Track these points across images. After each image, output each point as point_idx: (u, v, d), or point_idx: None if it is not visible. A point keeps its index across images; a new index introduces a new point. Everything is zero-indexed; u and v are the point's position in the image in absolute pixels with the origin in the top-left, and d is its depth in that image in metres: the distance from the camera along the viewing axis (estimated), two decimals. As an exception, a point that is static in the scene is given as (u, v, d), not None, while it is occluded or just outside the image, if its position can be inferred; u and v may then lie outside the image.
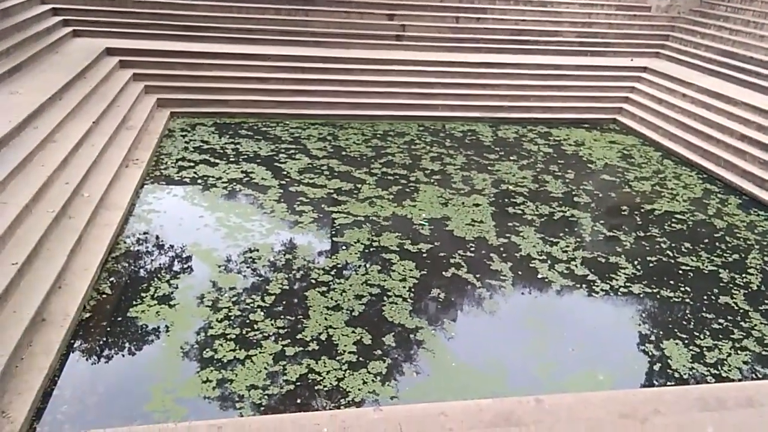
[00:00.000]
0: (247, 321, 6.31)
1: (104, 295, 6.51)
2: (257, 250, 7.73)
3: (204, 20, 14.36)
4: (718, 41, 14.96)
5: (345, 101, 13.30)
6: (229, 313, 6.40)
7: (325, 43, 14.68)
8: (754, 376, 6.10)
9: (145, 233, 7.97)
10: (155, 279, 6.95)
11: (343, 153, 11.30)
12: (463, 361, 6.11)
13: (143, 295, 6.60)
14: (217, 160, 10.39)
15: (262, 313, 6.45)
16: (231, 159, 10.51)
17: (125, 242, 7.67)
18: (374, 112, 13.33)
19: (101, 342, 5.88)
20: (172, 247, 7.72)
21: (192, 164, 10.16)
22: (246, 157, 10.68)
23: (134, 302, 6.45)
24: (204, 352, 5.78)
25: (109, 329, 6.06)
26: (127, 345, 5.90)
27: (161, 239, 7.88)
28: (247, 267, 7.39)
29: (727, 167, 10.94)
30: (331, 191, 9.62)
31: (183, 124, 12.00)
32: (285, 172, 10.16)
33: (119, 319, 6.20)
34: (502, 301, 7.19)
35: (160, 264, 7.34)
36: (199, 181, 9.60)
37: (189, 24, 14.16)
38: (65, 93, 10.18)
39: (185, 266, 7.31)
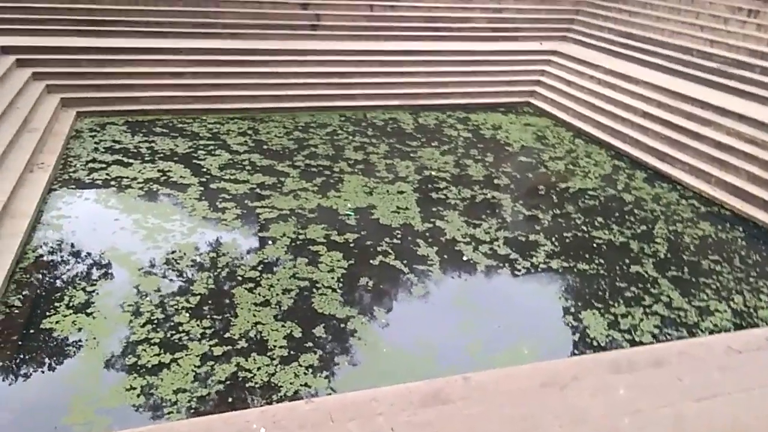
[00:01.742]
0: (172, 324, 6.11)
1: (14, 308, 6.13)
2: (179, 251, 7.49)
3: (109, 14, 13.65)
4: (620, 24, 15.76)
5: (264, 94, 13.06)
6: (152, 317, 6.18)
7: (240, 35, 14.32)
8: (664, 338, 6.54)
9: (55, 241, 7.54)
10: (70, 287, 6.60)
11: (265, 147, 11.11)
12: (394, 346, 6.20)
13: (57, 305, 6.25)
14: (131, 160, 9.95)
15: (187, 315, 6.27)
16: (146, 158, 10.10)
17: (34, 251, 7.23)
18: (295, 104, 13.16)
19: (13, 357, 5.54)
20: (86, 253, 7.35)
21: (104, 165, 9.69)
22: (162, 155, 10.29)
23: (48, 313, 6.11)
24: (126, 359, 5.56)
25: (21, 343, 5.71)
26: (41, 358, 5.59)
27: (74, 246, 7.48)
28: (170, 269, 7.15)
29: (632, 144, 11.59)
30: (254, 186, 9.44)
31: (91, 124, 11.40)
32: (205, 169, 9.88)
33: (32, 332, 5.86)
34: (430, 285, 7.32)
35: (74, 272, 6.98)
36: (113, 182, 9.16)
37: (93, 18, 13.42)
38: (-44, 95, 9.45)
39: (102, 272, 6.99)
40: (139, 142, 10.77)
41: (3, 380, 5.29)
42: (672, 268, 7.90)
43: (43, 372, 5.46)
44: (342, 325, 6.40)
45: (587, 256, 8.14)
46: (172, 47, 13.16)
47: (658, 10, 15.31)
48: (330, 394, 5.29)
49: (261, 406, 5.07)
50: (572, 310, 7.03)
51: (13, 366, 5.46)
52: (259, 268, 7.26)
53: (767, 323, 6.82)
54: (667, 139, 11.14)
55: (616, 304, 7.08)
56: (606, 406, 3.85)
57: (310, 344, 6.03)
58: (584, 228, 8.88)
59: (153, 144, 10.72)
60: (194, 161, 10.17)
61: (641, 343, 6.33)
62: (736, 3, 13.86)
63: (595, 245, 8.44)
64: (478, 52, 15.29)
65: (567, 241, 8.50)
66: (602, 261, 8.04)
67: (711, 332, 6.62)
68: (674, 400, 3.86)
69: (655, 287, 7.46)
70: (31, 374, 5.42)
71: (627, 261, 8.05)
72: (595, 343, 6.40)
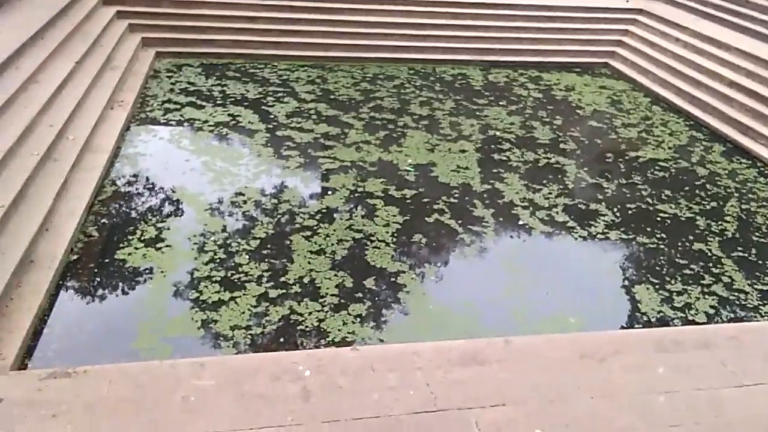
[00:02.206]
0: (232, 264, 6.48)
1: (91, 238, 6.65)
2: (243, 195, 7.83)
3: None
4: (716, -17, 14.65)
5: (335, 42, 13.09)
6: (215, 256, 6.56)
7: (315, -19, 14.27)
8: (719, 320, 6.37)
9: (131, 177, 8.04)
10: (142, 222, 7.07)
11: (332, 97, 11.23)
12: (441, 303, 6.34)
13: (130, 238, 6.73)
14: (203, 103, 10.32)
15: (247, 257, 6.61)
16: (218, 102, 10.45)
17: (111, 185, 7.74)
18: (365, 54, 13.13)
19: (89, 283, 6.06)
20: (158, 190, 7.81)
21: (178, 107, 10.11)
22: (233, 99, 10.60)
23: (121, 245, 6.59)
24: (190, 293, 5.98)
25: (96, 271, 6.22)
26: (114, 286, 6.08)
27: (147, 183, 7.95)
28: (233, 211, 7.50)
29: (714, 114, 10.96)
30: (319, 136, 9.63)
31: (169, 64, 11.83)
32: (272, 116, 10.13)
33: (106, 261, 6.36)
34: (483, 246, 7.37)
35: (146, 208, 7.45)
36: (185, 124, 9.58)
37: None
38: (47, 32, 9.97)
39: (172, 210, 7.42)
40: (212, 85, 11.12)
41: (81, 304, 5.81)
42: (739, 249, 7.60)
43: (116, 298, 5.95)
44: (392, 279, 6.58)
45: (649, 229, 7.93)
46: (247, -9, 13.30)
47: (761, -31, 14.09)
48: (375, 344, 5.52)
49: (309, 349, 5.38)
50: (625, 283, 6.93)
51: (90, 292, 5.97)
52: (317, 217, 7.50)
53: (835, 315, 6.50)
54: (752, 111, 10.47)
55: (672, 281, 6.91)
56: (641, 383, 3.87)
57: (360, 295, 6.25)
58: (649, 200, 8.60)
59: (225, 88, 11.05)
60: (263, 107, 10.43)
61: (694, 323, 6.21)
62: None
63: (658, 219, 8.19)
64: (556, 8, 14.61)
65: (629, 212, 8.28)
66: (664, 236, 7.81)
67: (771, 319, 6.39)
68: (713, 383, 3.84)
69: (717, 267, 7.22)
70: (105, 300, 5.92)
71: (691, 238, 7.79)
72: (644, 319, 6.32)
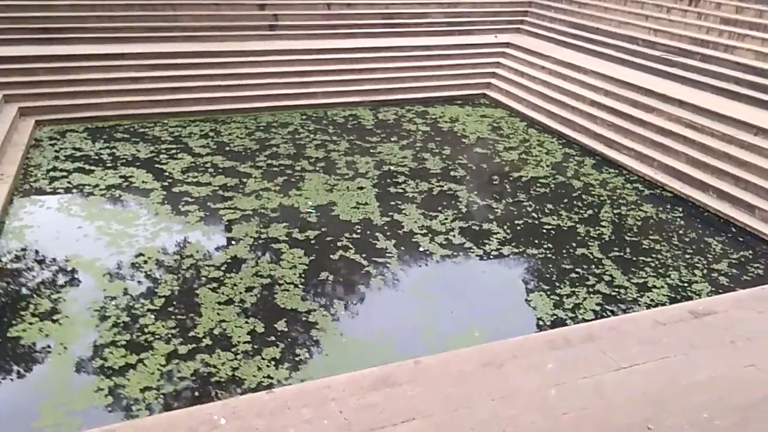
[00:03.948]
0: (138, 326, 6.35)
1: (-20, 320, 6.29)
2: (143, 255, 7.70)
3: (64, 21, 13.60)
4: (570, 15, 16.25)
5: (225, 95, 13.20)
6: (118, 320, 6.41)
7: (198, 38, 14.40)
8: (604, 315, 7.00)
9: (19, 250, 7.69)
10: (35, 296, 6.77)
11: (227, 148, 11.30)
12: (353, 336, 6.53)
13: (23, 313, 6.42)
14: (92, 167, 10.06)
15: (153, 316, 6.50)
16: (108, 164, 10.22)
17: (-2, 262, 7.37)
18: (256, 104, 13.34)
19: (-18, 367, 5.72)
20: (50, 261, 7.51)
21: (65, 174, 9.79)
22: (124, 161, 10.41)
23: (14, 322, 6.28)
24: (94, 361, 5.79)
25: (-12, 353, 5.89)
26: (10, 366, 5.78)
27: (38, 254, 7.64)
28: (134, 273, 7.36)
29: (582, 131, 12.08)
30: (217, 188, 9.65)
31: (51, 132, 11.43)
32: (167, 173, 10.04)
33: (-1, 341, 6.04)
34: (388, 276, 7.66)
35: (39, 280, 7.14)
36: (75, 190, 9.30)
37: (48, 26, 13.36)
38: None
39: (67, 279, 7.17)
40: (101, 148, 10.86)
41: (-27, 389, 5.47)
42: (615, 249, 8.39)
43: (12, 380, 5.66)
44: (303, 318, 6.71)
45: (537, 241, 8.58)
46: (129, 52, 13.20)
47: (605, 1, 15.83)
48: (290, 384, 5.60)
49: (225, 399, 5.36)
50: (521, 292, 7.46)
51: (-17, 374, 5.64)
52: (223, 268, 7.51)
53: (700, 296, 7.33)
54: (613, 126, 11.66)
55: (561, 285, 7.52)
56: (536, 381, 4.23)
57: (273, 338, 6.32)
58: (534, 215, 9.31)
59: (114, 150, 10.83)
60: (156, 165, 10.32)
61: (584, 321, 6.78)
62: (677, -8, 14.45)
63: (544, 231, 8.88)
64: (435, 47, 15.64)
65: (518, 228, 8.93)
66: (551, 245, 8.48)
67: (648, 307, 7.10)
68: (595, 371, 4.27)
69: (598, 267, 7.93)
70: (0, 382, 5.60)
71: (574, 244, 8.51)
72: (540, 323, 6.83)
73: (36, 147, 10.77)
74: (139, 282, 7.17)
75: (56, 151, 10.64)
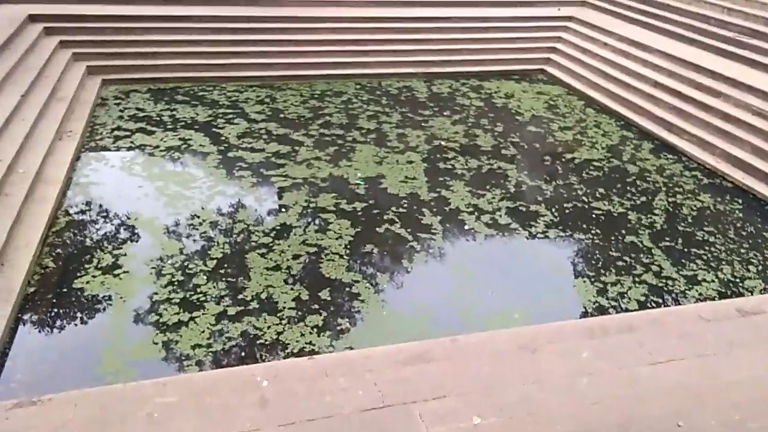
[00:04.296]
0: (191, 285, 6.69)
1: (48, 269, 6.76)
2: (198, 217, 8.04)
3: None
4: (639, -11, 15.58)
5: (282, 62, 13.38)
6: (173, 279, 6.76)
7: (258, 2, 14.56)
8: (650, 305, 6.92)
9: (84, 206, 8.15)
10: (98, 250, 7.20)
11: (281, 115, 11.51)
12: (394, 309, 6.70)
13: (87, 266, 6.86)
14: (153, 128, 10.47)
15: (205, 277, 6.83)
16: (168, 126, 10.60)
17: (65, 216, 7.84)
18: (311, 71, 13.48)
19: (49, 314, 6.18)
20: (112, 217, 7.94)
21: (128, 133, 10.22)
22: (183, 123, 10.78)
23: (78, 274, 6.73)
24: (150, 316, 6.17)
25: (55, 301, 6.35)
26: (74, 315, 6.22)
27: (101, 211, 8.08)
28: (189, 233, 7.71)
29: (642, 114, 11.70)
30: (270, 155, 9.89)
31: (116, 91, 11.91)
32: (223, 138, 10.35)
33: (65, 290, 6.49)
34: (432, 252, 7.76)
35: (102, 235, 7.58)
36: (136, 150, 9.72)
37: (115, -15, 13.78)
38: (-11, 66, 9.99)
39: (127, 236, 7.58)
40: (162, 110, 11.26)
41: (42, 334, 5.93)
42: (666, 239, 8.21)
43: (76, 326, 6.09)
44: (346, 289, 6.91)
45: (585, 226, 8.48)
46: (192, 15, 13.50)
47: (678, -25, 15.08)
48: (331, 351, 5.84)
49: (269, 361, 5.65)
50: (565, 277, 7.44)
51: (50, 322, 6.10)
52: (272, 235, 7.77)
53: (752, 293, 7.13)
54: (675, 109, 11.24)
55: (607, 273, 7.45)
56: (569, 368, 4.30)
57: (316, 306, 6.55)
58: (585, 199, 9.18)
59: (175, 112, 11.21)
60: (213, 129, 10.64)
61: (627, 311, 6.73)
62: (757, -31, 13.61)
63: (594, 215, 8.76)
64: (493, 19, 15.32)
65: (567, 211, 8.83)
66: (599, 231, 8.37)
67: (696, 301, 6.98)
68: (631, 363, 4.29)
69: (647, 257, 7.80)
70: (65, 330, 6.06)
71: (623, 231, 8.37)
72: (582, 310, 6.82)
73: (102, 105, 11.25)
74: (193, 242, 7.52)
75: (120, 110, 11.09)
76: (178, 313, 6.21)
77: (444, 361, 4.63)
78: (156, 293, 6.52)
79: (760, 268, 7.69)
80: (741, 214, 8.91)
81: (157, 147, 9.82)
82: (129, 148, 9.76)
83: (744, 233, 8.44)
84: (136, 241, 7.47)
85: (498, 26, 15.15)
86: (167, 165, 9.38)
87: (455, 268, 7.53)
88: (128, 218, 7.91)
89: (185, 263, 7.07)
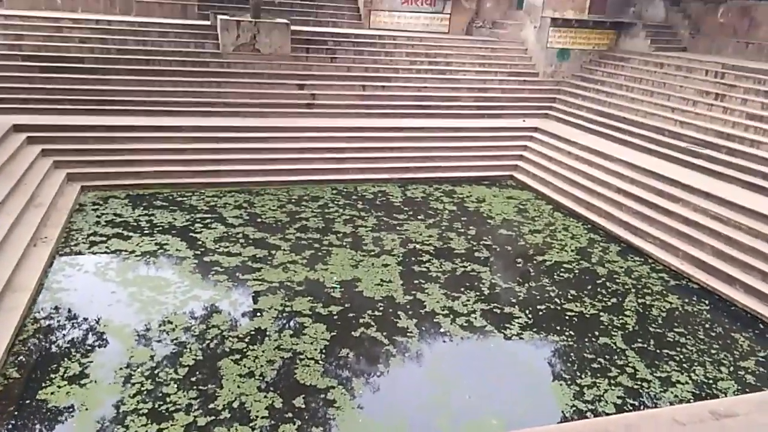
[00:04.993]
0: (160, 394, 6.49)
1: (11, 380, 6.52)
2: (171, 322, 7.93)
3: (117, 94, 14.59)
4: (597, 103, 16.72)
5: (260, 168, 13.79)
6: (142, 388, 6.56)
7: (240, 113, 15.22)
8: (627, 408, 6.88)
9: (54, 313, 7.99)
10: (65, 359, 7.00)
11: (259, 220, 11.70)
12: (370, 417, 6.54)
13: (53, 376, 6.64)
14: (130, 233, 10.52)
15: (175, 386, 6.65)
16: (145, 231, 10.67)
17: (33, 324, 7.67)
18: (289, 177, 13.88)
19: (8, 428, 5.89)
20: (82, 324, 7.79)
21: (104, 239, 10.25)
22: (161, 228, 10.87)
23: (43, 384, 6.49)
24: (115, 429, 5.92)
25: (17, 413, 6.08)
26: (36, 428, 5.94)
27: (71, 317, 7.93)
28: (161, 339, 7.57)
29: (607, 218, 12.19)
30: (246, 259, 9.96)
31: (95, 197, 12.05)
32: (200, 242, 10.43)
33: (28, 402, 6.23)
34: (408, 356, 7.71)
35: (69, 343, 7.40)
36: (112, 255, 9.71)
37: (101, 98, 14.33)
38: (-31, 173, 10.12)
39: (97, 344, 7.41)
40: (140, 215, 11.37)
41: (-1, 449, 5.64)
42: (639, 340, 8.31)
43: (36, 441, 5.81)
44: (322, 395, 6.76)
45: (559, 328, 8.56)
46: (174, 125, 14.01)
47: (632, 92, 16.32)
48: (304, 463, 5.63)
49: (239, 475, 5.41)
50: (541, 380, 7.40)
51: (9, 435, 5.82)
52: (246, 340, 7.67)
53: (726, 394, 7.16)
54: (639, 214, 11.75)
55: (583, 375, 7.45)
56: (547, 476, 4.20)
57: (290, 414, 6.38)
58: (558, 300, 9.33)
59: (152, 217, 11.33)
60: (191, 234, 10.73)
61: (604, 413, 6.68)
62: (703, 87, 14.82)
63: (567, 317, 8.87)
64: (464, 129, 16.17)
65: (541, 313, 8.93)
66: (573, 333, 8.45)
67: (671, 403, 6.96)
68: (609, 470, 4.22)
69: (621, 359, 7.85)
70: (25, 443, 5.77)
71: (597, 333, 8.46)
72: (560, 414, 6.74)
73: (79, 211, 11.34)
74: (165, 349, 7.37)
75: (98, 216, 11.18)
76: (145, 425, 5.99)
77: (421, 471, 4.51)
78: (123, 403, 6.30)
79: (731, 368, 7.77)
80: (709, 315, 9.12)
81: (133, 252, 9.83)
82: (104, 253, 9.76)
83: (713, 334, 8.60)
84: (105, 348, 7.30)
85: (469, 135, 15.97)
86: (142, 270, 9.36)
87: (432, 372, 7.46)
88: (98, 325, 7.77)
89: (155, 371, 6.89)
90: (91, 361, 6.97)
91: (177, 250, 10.05)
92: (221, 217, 11.65)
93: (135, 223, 10.98)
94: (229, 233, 10.91)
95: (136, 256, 9.73)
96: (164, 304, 8.39)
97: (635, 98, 15.93)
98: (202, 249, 10.18)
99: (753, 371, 7.74)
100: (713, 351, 8.14)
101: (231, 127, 14.43)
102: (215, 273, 9.37)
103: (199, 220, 11.41)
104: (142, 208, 11.75)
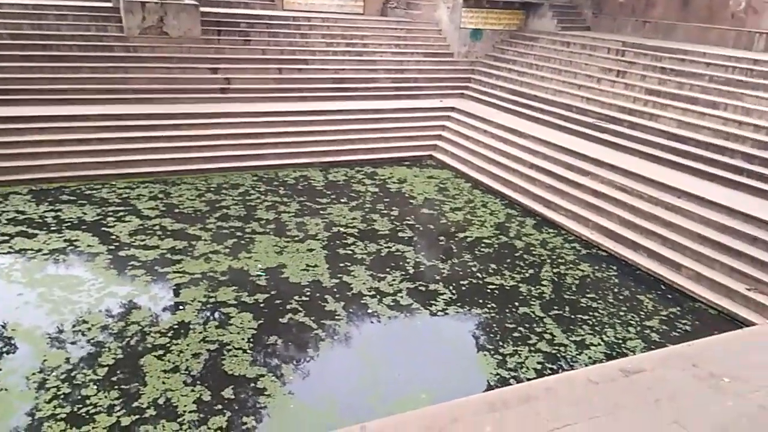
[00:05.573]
0: (79, 397, 6.21)
1: None
2: (87, 322, 7.57)
3: (12, 82, 13.55)
4: (509, 82, 17.26)
5: (175, 157, 13.30)
6: (58, 392, 6.26)
7: (149, 100, 14.55)
8: (545, 373, 7.26)
9: (-46, 320, 7.44)
10: (-30, 369, 6.55)
11: (176, 210, 11.31)
12: (301, 402, 6.56)
13: (-43, 387, 6.21)
14: (35, 231, 9.89)
15: (95, 387, 6.38)
16: (52, 228, 10.07)
17: (-69, 333, 7.11)
18: (206, 165, 13.47)
19: None
20: (-12, 331, 7.30)
21: (6, 238, 9.58)
22: (69, 224, 10.28)
23: (-54, 397, 6.06)
24: (31, 437, 5.63)
25: None
26: (-60, 445, 5.55)
27: (-25, 324, 7.41)
28: (77, 340, 7.22)
29: (522, 193, 12.69)
30: (165, 251, 9.62)
31: (-7, 194, 11.24)
32: (114, 237, 9.96)
33: (-71, 418, 5.80)
34: (337, 338, 7.77)
35: (-26, 351, 6.92)
36: (16, 255, 9.10)
37: (-6, 87, 13.30)
38: None
39: (5, 349, 6.96)
40: (45, 211, 10.70)
41: None
42: (555, 308, 8.76)
43: (-58, 458, 5.43)
44: (252, 385, 6.70)
45: (481, 301, 8.88)
46: (79, 114, 13.21)
47: (542, 70, 16.94)
48: (236, 453, 5.58)
49: (169, 472, 5.29)
50: (467, 353, 7.68)
51: None
52: (169, 334, 7.46)
53: (634, 353, 7.70)
54: (551, 188, 12.31)
55: (505, 345, 7.79)
56: (473, 444, 4.39)
57: (220, 406, 6.29)
58: (479, 275, 9.65)
59: (59, 213, 10.69)
60: (103, 228, 10.23)
61: (526, 379, 7.02)
62: (606, 65, 15.61)
63: (488, 290, 9.20)
64: (383, 110, 16.25)
65: (464, 288, 9.22)
66: (494, 305, 8.79)
67: (586, 365, 7.41)
68: (530, 432, 4.47)
69: (540, 326, 8.26)
70: (-71, 462, 5.38)
71: (516, 303, 8.84)
72: (485, 383, 7.03)
73: (-24, 210, 10.54)
74: (81, 350, 7.04)
75: (-2, 214, 10.44)
76: (64, 430, 5.72)
77: (353, 450, 4.58)
78: (39, 409, 5.98)
79: (638, 328, 8.36)
80: (617, 280, 9.74)
81: (40, 250, 9.27)
82: (7, 254, 9.13)
83: (621, 297, 9.20)
84: (15, 354, 6.88)
85: (388, 117, 16.07)
86: (51, 269, 8.85)
87: (361, 352, 7.55)
88: (5, 329, 7.30)
89: (72, 373, 6.58)
90: (0, 369, 6.56)
91: (88, 246, 9.56)
92: (135, 209, 11.17)
93: (40, 220, 10.33)
94: (145, 226, 10.48)
95: (44, 254, 9.17)
96: (78, 303, 7.98)
97: (545, 77, 16.56)
98: (117, 243, 9.73)
99: (657, 329, 8.36)
100: (622, 313, 8.72)
101: (141, 114, 13.79)
102: (132, 268, 9.01)
103: (111, 213, 10.88)
104: (47, 203, 11.06)
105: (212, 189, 12.55)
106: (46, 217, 10.45)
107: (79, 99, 13.81)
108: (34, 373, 6.52)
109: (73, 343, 7.16)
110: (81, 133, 12.88)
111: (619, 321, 8.51)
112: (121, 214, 10.89)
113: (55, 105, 13.45)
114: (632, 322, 8.50)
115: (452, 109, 16.74)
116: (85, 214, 10.75)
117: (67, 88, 13.89)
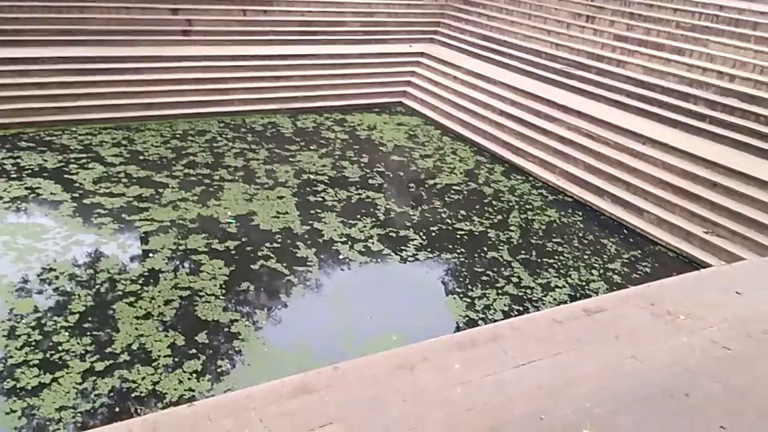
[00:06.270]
0: (51, 344, 6.21)
1: None
2: (54, 270, 7.48)
3: (-43, 21, 12.82)
4: (479, 27, 17.03)
5: (138, 102, 12.91)
6: (29, 339, 6.24)
7: (108, 42, 13.94)
8: (512, 314, 7.52)
9: None
10: (-65, 318, 6.46)
11: (141, 157, 11.07)
12: (275, 345, 6.69)
13: (-77, 337, 6.13)
14: (-6, 179, 9.61)
15: (67, 334, 6.38)
16: (12, 176, 9.77)
17: None
18: (171, 111, 13.12)
19: None
20: (-49, 280, 7.16)
21: (-36, 186, 9.30)
22: (30, 171, 9.99)
23: None
24: (4, 383, 5.63)
25: None
26: None
27: (-63, 274, 7.26)
28: (45, 289, 7.15)
29: (491, 140, 12.76)
30: (131, 199, 9.47)
31: (-54, 141, 10.79)
32: (77, 184, 9.73)
33: None
34: (309, 284, 7.86)
35: (-61, 301, 6.80)
36: (-24, 204, 8.86)
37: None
38: None
39: (-29, 299, 6.87)
40: (3, 158, 10.36)
41: None
42: (522, 252, 9.00)
43: None
44: (225, 329, 6.79)
45: (451, 246, 9.05)
46: (34, 56, 12.61)
47: (512, 15, 16.74)
48: (211, 396, 5.69)
49: (144, 414, 5.39)
50: (436, 296, 7.88)
51: None
52: (140, 282, 7.44)
53: (597, 294, 8.02)
54: (519, 135, 12.41)
55: (474, 288, 8.01)
56: (443, 381, 4.58)
57: (194, 350, 6.37)
58: (449, 221, 9.80)
59: (19, 160, 10.36)
60: (65, 176, 9.97)
61: (493, 321, 7.27)
62: (576, 9, 15.51)
63: (458, 236, 9.37)
64: (351, 55, 15.93)
65: (434, 234, 9.36)
66: (464, 250, 8.97)
67: (551, 306, 7.70)
68: (497, 369, 4.68)
69: (507, 270, 8.49)
70: None
71: (485, 248, 9.04)
72: (454, 325, 7.26)
73: (-71, 157, 10.14)
74: (50, 298, 6.99)
75: (-47, 161, 10.07)
76: (38, 376, 5.74)
77: (327, 389, 4.73)
78: (10, 356, 5.97)
79: (601, 271, 8.67)
80: (582, 225, 10.01)
81: (1, 198, 9.02)
82: (-34, 202, 8.88)
83: (586, 241, 9.48)
84: (-19, 303, 6.79)
85: (356, 62, 15.77)
86: (12, 217, 8.64)
87: (333, 297, 7.68)
88: (-30, 279, 7.18)
89: (42, 321, 6.54)
90: (-33, 318, 6.49)
91: (51, 193, 9.34)
92: (98, 156, 10.88)
93: (-1, 167, 10.02)
94: (110, 173, 10.26)
95: (5, 202, 8.94)
96: (43, 251, 7.86)
97: (515, 21, 16.38)
98: (81, 191, 9.53)
99: (619, 272, 8.69)
100: (586, 257, 9.02)
101: (98, 57, 13.22)
102: (98, 216, 8.86)
103: (73, 160, 10.59)
104: (5, 150, 10.70)
105: (178, 135, 12.27)
106: (5, 164, 10.13)
107: (32, 41, 13.15)
108: (2, 321, 6.46)
109: (40, 291, 7.09)
110: (37, 76, 12.35)
111: (583, 264, 8.80)
112: (84, 161, 10.61)
113: (8, 47, 12.79)
114: (596, 265, 8.81)
115: (422, 54, 16.51)
116: (45, 161, 10.44)
117: (21, 29, 13.19)
